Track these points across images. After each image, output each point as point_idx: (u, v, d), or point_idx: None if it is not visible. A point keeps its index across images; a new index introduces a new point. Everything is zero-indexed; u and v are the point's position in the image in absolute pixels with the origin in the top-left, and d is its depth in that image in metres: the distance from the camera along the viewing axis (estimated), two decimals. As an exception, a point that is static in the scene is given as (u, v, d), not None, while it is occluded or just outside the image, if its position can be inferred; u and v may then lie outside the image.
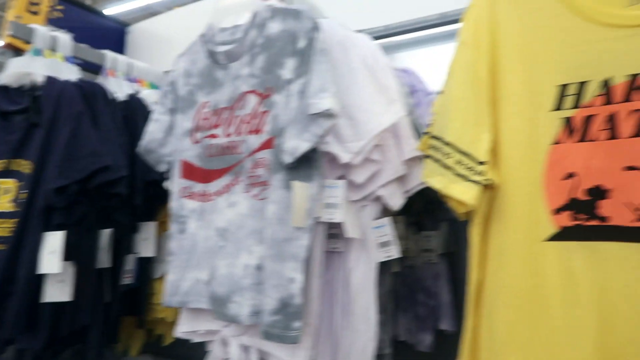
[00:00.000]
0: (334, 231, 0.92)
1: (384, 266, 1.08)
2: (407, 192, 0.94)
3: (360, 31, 1.17)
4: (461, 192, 0.72)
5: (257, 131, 0.91)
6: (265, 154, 0.89)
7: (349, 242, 0.92)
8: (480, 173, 0.72)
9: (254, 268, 0.87)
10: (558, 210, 0.70)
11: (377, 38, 1.31)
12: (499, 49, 0.76)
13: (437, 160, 0.77)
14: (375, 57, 0.95)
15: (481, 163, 0.72)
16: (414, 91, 1.19)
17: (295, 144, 0.83)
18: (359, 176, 0.89)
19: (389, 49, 1.37)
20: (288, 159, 0.84)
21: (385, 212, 0.96)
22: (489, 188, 0.74)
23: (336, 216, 0.87)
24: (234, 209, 0.92)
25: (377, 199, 0.93)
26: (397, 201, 0.92)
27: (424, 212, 1.11)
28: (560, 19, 0.72)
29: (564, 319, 0.69)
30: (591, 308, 0.67)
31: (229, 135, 0.95)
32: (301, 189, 0.83)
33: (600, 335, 0.67)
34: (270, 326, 0.83)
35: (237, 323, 0.89)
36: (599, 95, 0.68)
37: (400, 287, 1.14)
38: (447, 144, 0.75)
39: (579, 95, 0.69)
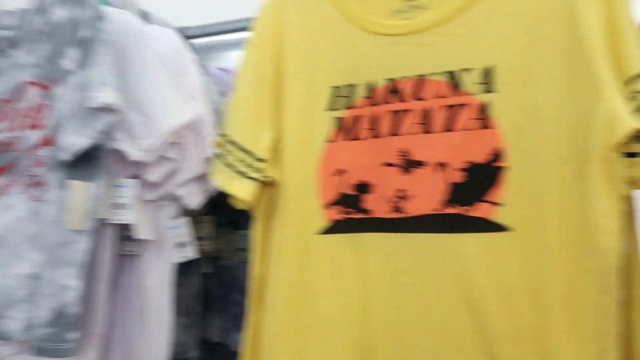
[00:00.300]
0: (128, 233, 0.87)
1: (192, 267, 1.05)
2: (208, 192, 0.93)
3: (187, 28, 1.14)
4: (239, 189, 0.73)
5: (36, 126, 0.83)
6: (44, 152, 0.81)
7: (143, 244, 0.88)
8: (258, 170, 0.74)
9: (29, 277, 0.79)
10: (329, 205, 0.74)
11: (205, 36, 1.29)
12: (284, 50, 0.78)
13: (222, 158, 0.77)
14: (176, 53, 0.93)
15: (260, 160, 0.74)
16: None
17: (73, 140, 0.77)
18: (154, 175, 0.86)
19: (218, 48, 1.37)
20: (66, 156, 0.78)
21: (192, 212, 0.94)
22: (270, 185, 0.76)
23: (126, 217, 0.82)
24: (9, 213, 0.82)
25: (176, 198, 0.90)
26: (196, 200, 0.90)
27: (239, 210, 1.11)
28: (335, 24, 0.76)
29: (331, 308, 0.73)
30: (355, 296, 0.72)
31: (6, 130, 0.85)
32: (79, 188, 0.77)
33: (362, 321, 0.71)
34: (43, 340, 0.75)
35: (10, 340, 0.79)
36: (365, 97, 0.73)
37: (215, 288, 1.12)
38: (231, 142, 0.76)
39: (348, 97, 0.74)
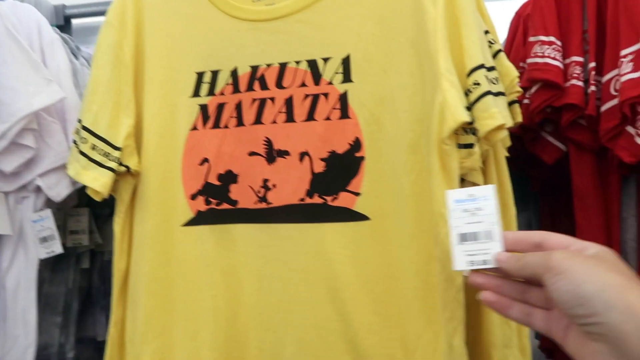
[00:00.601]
0: (-18, 228, 0.80)
1: (68, 263, 0.99)
2: (76, 183, 0.87)
3: (66, 7, 1.06)
4: (92, 179, 0.68)
5: None
6: None
7: (2, 240, 0.81)
8: (115, 159, 0.69)
9: None
10: (194, 196, 0.71)
11: (86, 16, 1.20)
12: (144, 31, 0.73)
13: (77, 146, 0.71)
14: (38, 32, 0.85)
15: (117, 149, 0.70)
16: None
17: None
18: (8, 164, 0.79)
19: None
20: None
21: (66, 204, 0.88)
22: (132, 175, 0.72)
23: (-24, 211, 0.75)
24: None
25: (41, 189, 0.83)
26: (62, 192, 0.84)
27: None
28: (199, 7, 0.72)
29: (198, 303, 0.70)
30: (222, 289, 0.70)
31: None
32: None
33: (230, 314, 0.70)
34: None
35: None
36: (229, 84, 0.71)
37: (97, 283, 1.06)
38: (85, 128, 0.71)
39: (213, 83, 0.71)
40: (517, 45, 0.86)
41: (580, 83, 0.69)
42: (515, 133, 0.82)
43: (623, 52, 0.63)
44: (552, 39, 0.71)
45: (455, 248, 0.44)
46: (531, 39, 0.74)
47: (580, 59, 0.70)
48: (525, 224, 1.00)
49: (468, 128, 0.57)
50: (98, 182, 0.68)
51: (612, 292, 0.32)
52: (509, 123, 0.57)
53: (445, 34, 0.58)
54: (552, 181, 0.87)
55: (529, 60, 0.73)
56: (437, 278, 0.60)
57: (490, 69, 0.60)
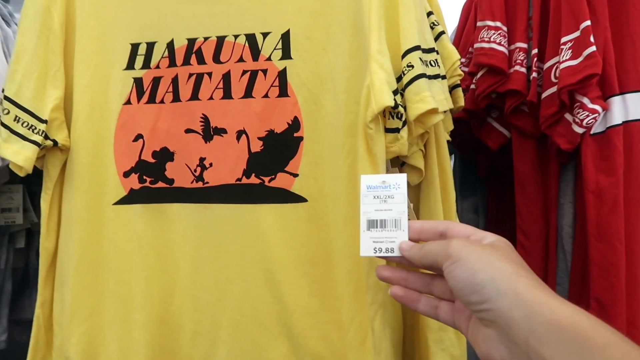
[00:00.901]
0: None
1: (2, 241, 0.95)
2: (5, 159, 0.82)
3: None
4: (14, 153, 0.64)
5: None
6: None
7: None
8: (40, 132, 0.65)
9: None
10: (127, 173, 0.68)
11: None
12: None
13: (0, 118, 0.67)
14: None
15: (43, 121, 0.66)
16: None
17: None
18: None
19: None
20: None
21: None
22: (60, 150, 0.68)
23: None
24: None
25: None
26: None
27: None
28: None
29: (130, 285, 0.68)
30: (156, 270, 0.68)
31: None
32: None
33: (165, 296, 0.68)
34: None
35: None
36: (164, 57, 0.67)
37: (34, 264, 1.02)
38: (7, 98, 0.66)
39: (148, 55, 0.68)
40: (469, 29, 0.85)
41: (523, 69, 0.69)
42: (463, 118, 0.82)
43: (563, 40, 0.63)
44: (498, 24, 0.71)
45: (363, 234, 0.44)
46: (479, 23, 0.73)
47: (524, 45, 0.69)
48: (472, 209, 1.01)
49: (394, 112, 0.56)
50: (20, 156, 0.64)
51: (503, 280, 0.33)
52: (444, 107, 0.56)
53: (382, 14, 0.56)
54: (498, 167, 0.87)
55: (476, 45, 0.73)
56: (364, 261, 0.60)
57: (429, 50, 0.59)
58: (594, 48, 0.59)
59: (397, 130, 0.57)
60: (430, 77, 0.57)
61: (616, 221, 0.61)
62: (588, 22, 0.60)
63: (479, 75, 0.73)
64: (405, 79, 0.56)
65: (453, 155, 1.09)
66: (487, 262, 0.34)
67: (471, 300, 0.34)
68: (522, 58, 0.69)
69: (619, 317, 0.61)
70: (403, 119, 0.56)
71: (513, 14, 0.71)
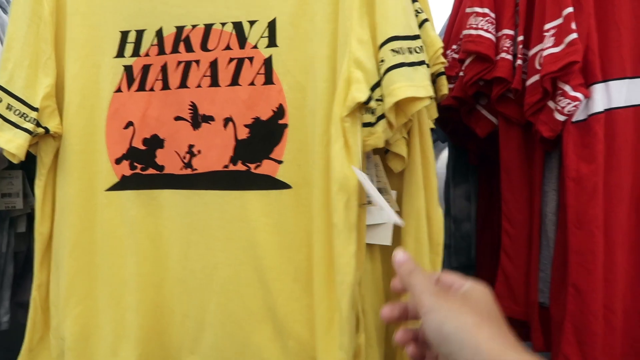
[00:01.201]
0: None
1: (3, 226, 0.97)
2: None
3: None
4: (6, 141, 0.66)
5: None
6: None
7: None
8: (32, 120, 0.67)
9: None
10: (119, 160, 0.70)
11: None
12: None
13: (-9, 105, 0.69)
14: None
15: (35, 109, 0.67)
16: None
17: None
18: None
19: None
20: None
21: None
22: (52, 137, 0.70)
23: None
24: None
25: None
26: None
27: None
28: None
29: (123, 269, 0.70)
30: (148, 255, 0.70)
31: None
32: None
33: (156, 280, 0.70)
34: None
35: None
36: (154, 45, 0.68)
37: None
38: (1, 88, 0.68)
39: (138, 43, 0.69)
40: (461, 16, 0.85)
41: (509, 56, 0.69)
42: (453, 105, 0.82)
43: (546, 27, 0.62)
44: (486, 10, 0.71)
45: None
46: (467, 10, 0.73)
47: (510, 32, 0.69)
48: (464, 196, 1.01)
49: (367, 108, 0.58)
50: (13, 143, 0.66)
51: (466, 331, 0.34)
52: (421, 94, 0.56)
53: (365, 2, 0.57)
54: (489, 155, 0.88)
55: (464, 32, 0.73)
56: (336, 244, 0.61)
57: (414, 37, 0.59)
58: (575, 35, 0.59)
59: (370, 124, 0.58)
60: (413, 64, 0.58)
61: (595, 208, 0.62)
62: (570, 9, 0.60)
63: (467, 62, 0.73)
64: (380, 72, 0.57)
65: (447, 143, 1.09)
66: (454, 314, 0.35)
67: (441, 351, 0.36)
68: (508, 45, 0.69)
69: (595, 303, 0.62)
70: (376, 114, 0.57)
71: (501, 0, 0.71)
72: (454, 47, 0.85)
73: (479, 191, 0.97)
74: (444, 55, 0.90)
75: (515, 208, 0.73)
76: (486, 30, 0.70)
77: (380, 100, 0.57)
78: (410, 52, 0.58)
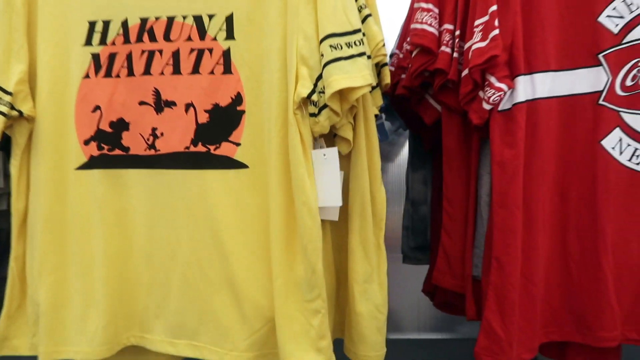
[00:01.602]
0: None
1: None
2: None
3: None
4: (-18, 123, 0.71)
5: None
6: None
7: None
8: (6, 104, 0.72)
9: None
10: (87, 141, 0.75)
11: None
12: None
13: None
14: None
15: (8, 93, 0.72)
16: None
17: None
18: None
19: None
20: None
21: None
22: (26, 120, 0.75)
23: None
24: None
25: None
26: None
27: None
28: None
29: (92, 243, 0.76)
30: (115, 230, 0.76)
31: None
32: None
33: (123, 254, 0.76)
34: None
35: None
36: (119, 35, 0.73)
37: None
38: (-26, 73, 0.73)
39: (104, 33, 0.74)
40: (412, 10, 0.90)
41: (448, 50, 0.75)
42: (405, 95, 0.88)
43: (476, 23, 0.68)
44: (430, 6, 0.76)
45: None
46: (415, 5, 0.79)
47: (451, 27, 0.75)
48: (421, 181, 1.08)
49: (309, 101, 0.64)
50: (-12, 125, 0.71)
51: None
52: (358, 83, 0.62)
53: (310, 2, 0.63)
54: (439, 141, 0.94)
55: (412, 26, 0.78)
56: (302, 217, 0.67)
57: (355, 32, 0.65)
58: (497, 31, 0.65)
59: (314, 115, 0.65)
60: (352, 57, 0.64)
61: (515, 189, 0.69)
62: (495, 7, 0.66)
63: (413, 54, 0.79)
64: (321, 66, 0.63)
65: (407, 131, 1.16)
66: None
67: None
68: (447, 39, 0.75)
69: (514, 274, 0.69)
70: (318, 105, 0.64)
71: (444, -4, 0.76)
72: (408, 39, 0.90)
73: (433, 176, 1.03)
74: (400, 47, 0.97)
75: (454, 190, 0.80)
76: (430, 25, 0.76)
77: (323, 92, 0.64)
78: (349, 46, 0.63)
